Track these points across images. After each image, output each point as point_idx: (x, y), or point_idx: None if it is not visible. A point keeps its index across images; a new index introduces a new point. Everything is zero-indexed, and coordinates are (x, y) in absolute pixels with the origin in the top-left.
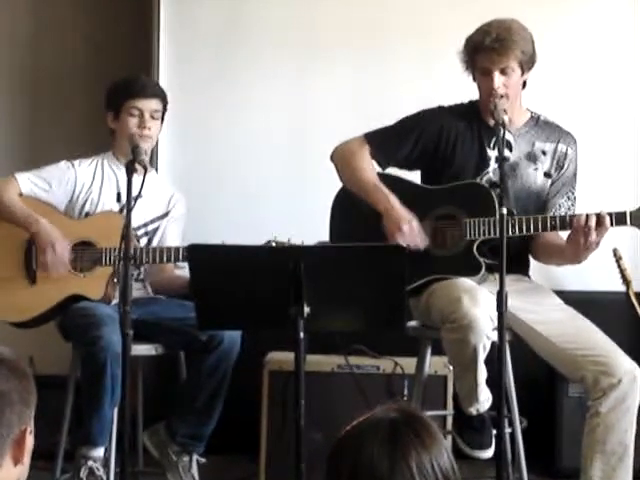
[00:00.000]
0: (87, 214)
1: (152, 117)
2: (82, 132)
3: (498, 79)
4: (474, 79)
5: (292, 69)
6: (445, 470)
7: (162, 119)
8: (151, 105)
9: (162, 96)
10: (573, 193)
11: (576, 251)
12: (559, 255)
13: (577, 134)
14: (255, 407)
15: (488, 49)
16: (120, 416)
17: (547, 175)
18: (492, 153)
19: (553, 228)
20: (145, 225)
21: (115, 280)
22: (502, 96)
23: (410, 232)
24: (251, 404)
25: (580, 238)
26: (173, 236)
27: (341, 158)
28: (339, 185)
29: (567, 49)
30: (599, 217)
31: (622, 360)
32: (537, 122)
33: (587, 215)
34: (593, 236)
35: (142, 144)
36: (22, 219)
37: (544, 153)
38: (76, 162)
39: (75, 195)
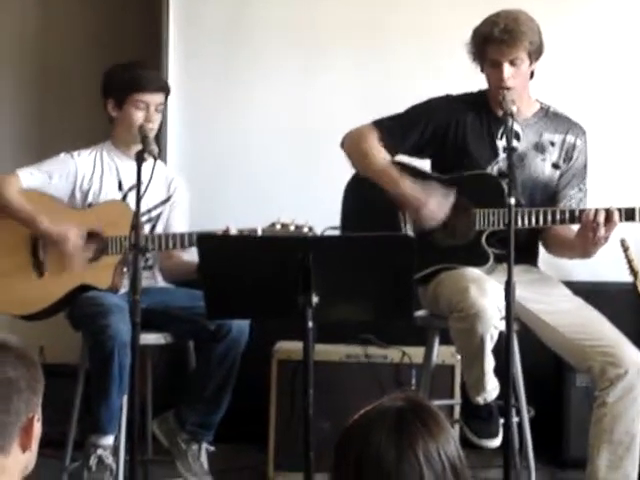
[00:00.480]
0: (90, 204)
1: (156, 110)
2: (89, 128)
3: (508, 70)
4: (482, 70)
5: (296, 61)
6: (452, 459)
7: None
8: (156, 99)
9: (167, 89)
10: (584, 185)
11: (585, 246)
12: (570, 248)
13: (588, 127)
14: (264, 396)
15: (497, 40)
16: (129, 405)
17: (555, 166)
18: (501, 143)
19: (562, 222)
20: (149, 211)
21: (125, 269)
22: (511, 87)
23: (432, 210)
24: (260, 393)
25: (589, 233)
26: (178, 222)
27: (351, 144)
28: (346, 171)
29: (577, 41)
30: (608, 212)
31: (629, 351)
32: (546, 113)
33: (596, 210)
34: (602, 231)
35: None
36: (25, 218)
37: (552, 144)
38: (75, 153)
39: (77, 186)
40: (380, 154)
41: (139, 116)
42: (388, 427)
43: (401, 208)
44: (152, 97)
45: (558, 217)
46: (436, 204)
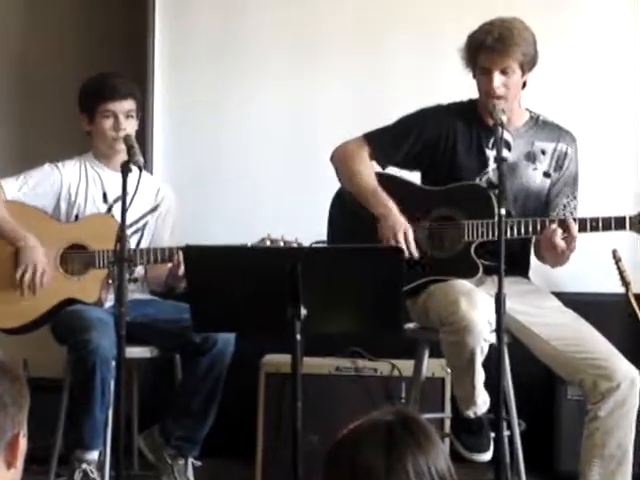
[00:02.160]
0: (76, 216)
1: (127, 117)
2: (72, 134)
3: (498, 79)
4: (474, 77)
5: (289, 68)
6: (442, 473)
7: (138, 114)
8: (124, 106)
9: (134, 94)
10: (576, 192)
11: (552, 257)
12: (542, 258)
13: (578, 135)
14: (252, 409)
15: (489, 49)
16: (115, 419)
17: (546, 175)
18: (491, 153)
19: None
20: (135, 222)
21: (110, 282)
22: (501, 96)
23: (405, 240)
24: (247, 406)
25: (549, 245)
26: (165, 234)
27: (340, 160)
28: (337, 184)
29: (567, 48)
30: (565, 225)
31: (621, 364)
32: (536, 122)
33: (554, 225)
34: (561, 244)
35: (118, 146)
36: (7, 232)
37: (543, 153)
38: (60, 164)
39: (62, 197)
40: (369, 174)
41: (108, 125)
42: (378, 441)
43: (383, 231)
44: (118, 105)
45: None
46: (402, 238)
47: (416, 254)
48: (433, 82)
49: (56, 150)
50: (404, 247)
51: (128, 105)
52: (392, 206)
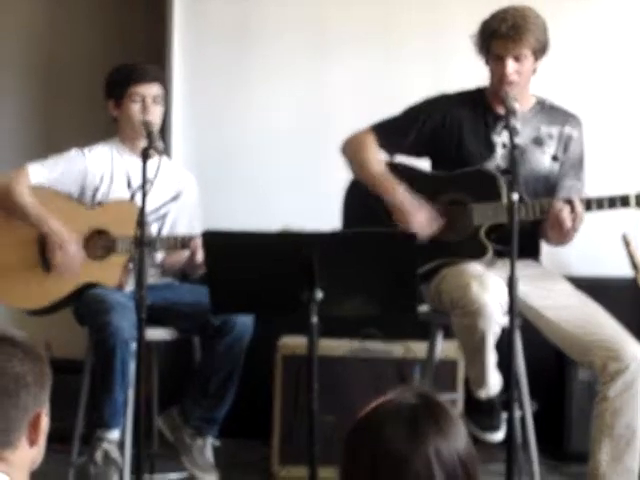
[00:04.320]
0: (100, 202)
1: (154, 102)
2: (96, 124)
3: (511, 66)
4: (486, 63)
5: (303, 60)
6: (463, 456)
7: (163, 102)
8: (152, 90)
9: (163, 80)
10: (582, 175)
11: (556, 237)
12: (547, 238)
13: (588, 119)
14: (268, 391)
15: (503, 36)
16: (135, 399)
17: (554, 158)
18: (498, 139)
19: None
20: (157, 210)
21: (130, 265)
22: (513, 83)
23: (420, 222)
24: (264, 388)
25: (555, 225)
26: (185, 223)
27: (350, 151)
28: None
29: (576, 35)
30: (571, 204)
31: (631, 346)
32: (543, 106)
33: (561, 203)
34: (568, 223)
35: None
36: (33, 217)
37: (550, 137)
38: (86, 150)
39: (87, 183)
40: (378, 162)
41: (136, 109)
42: (401, 425)
43: (398, 216)
44: (146, 88)
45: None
46: (425, 220)
47: (436, 226)
48: (443, 73)
49: (81, 140)
50: (421, 228)
51: (156, 89)
52: (403, 191)
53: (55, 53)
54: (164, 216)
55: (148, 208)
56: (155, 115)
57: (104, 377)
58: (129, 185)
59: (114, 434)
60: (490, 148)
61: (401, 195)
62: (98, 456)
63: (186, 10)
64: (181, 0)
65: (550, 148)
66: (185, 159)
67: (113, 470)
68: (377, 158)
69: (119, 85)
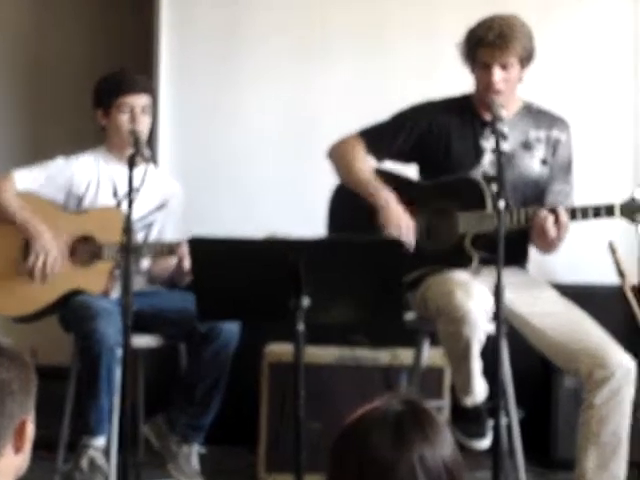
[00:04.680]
0: (85, 209)
1: (142, 112)
2: (82, 129)
3: (498, 74)
4: (472, 71)
5: (293, 63)
6: (449, 463)
7: (151, 112)
8: (141, 101)
9: (150, 90)
10: (570, 179)
11: (541, 246)
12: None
13: (577, 124)
14: (254, 398)
15: (490, 44)
16: (121, 406)
17: (544, 162)
18: (487, 145)
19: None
20: (142, 218)
21: (116, 272)
22: (500, 91)
23: (405, 229)
24: (250, 395)
25: (540, 235)
26: (167, 232)
27: (337, 156)
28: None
29: (564, 39)
30: (556, 214)
31: (616, 353)
32: (529, 110)
33: (545, 213)
34: (552, 233)
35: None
36: (19, 221)
37: (538, 141)
38: (72, 157)
39: (73, 191)
40: (364, 166)
41: (124, 119)
42: (387, 432)
43: (383, 222)
44: (134, 99)
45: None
46: (408, 224)
47: (413, 243)
48: (432, 78)
49: (68, 144)
50: (405, 238)
51: (144, 100)
52: (391, 196)
53: (41, 55)
54: (150, 225)
55: (134, 216)
56: (143, 125)
57: (90, 384)
58: (115, 194)
59: (100, 441)
60: (478, 154)
61: (385, 198)
62: (84, 463)
63: (173, 14)
64: (168, 3)
65: (539, 152)
66: (172, 163)
67: (99, 477)
68: (364, 163)
69: (107, 95)
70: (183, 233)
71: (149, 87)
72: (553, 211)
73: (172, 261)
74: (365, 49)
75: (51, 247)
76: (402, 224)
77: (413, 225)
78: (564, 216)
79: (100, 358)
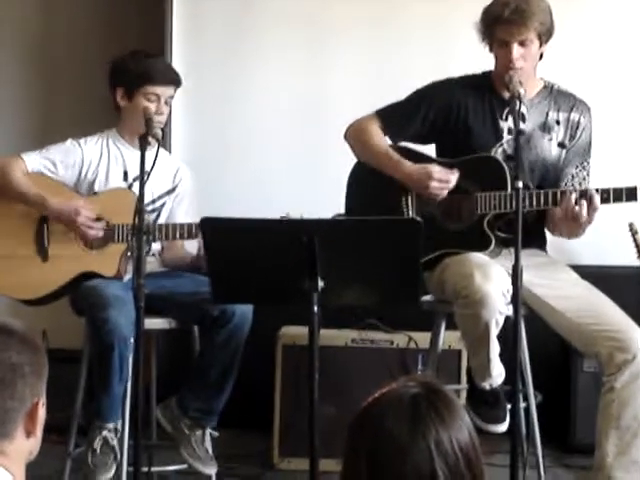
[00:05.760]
0: (95, 193)
1: (166, 102)
2: (92, 116)
3: (517, 51)
4: (491, 50)
5: (305, 46)
6: (465, 447)
7: None
8: (168, 92)
9: (178, 82)
10: (588, 162)
11: (570, 229)
12: (558, 230)
13: (595, 106)
14: (269, 381)
15: (507, 21)
16: (133, 390)
17: (561, 145)
18: (505, 125)
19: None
20: (153, 202)
21: (129, 254)
22: (519, 68)
23: (435, 185)
24: (264, 378)
25: (571, 218)
26: (182, 215)
27: (354, 135)
28: (353, 161)
29: (585, 20)
30: (589, 197)
31: (637, 336)
32: (551, 91)
33: (577, 194)
34: (584, 216)
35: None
36: (33, 197)
37: (558, 123)
38: (82, 141)
39: (82, 174)
40: (381, 141)
41: (150, 107)
42: (402, 414)
43: (408, 188)
44: (164, 90)
45: (559, 197)
46: (439, 180)
47: (454, 180)
48: (447, 59)
49: (75, 131)
50: (440, 189)
51: (171, 91)
52: (409, 163)
53: (51, 44)
54: (160, 208)
55: (146, 198)
56: (165, 115)
57: (102, 373)
58: (125, 178)
59: (112, 425)
60: (497, 133)
61: (408, 167)
62: (97, 444)
63: (185, 5)
64: None
65: (557, 134)
66: (184, 150)
67: (111, 459)
68: (381, 141)
69: (135, 79)
70: (202, 213)
71: (179, 80)
72: (583, 194)
73: (182, 249)
74: (377, 32)
75: (76, 204)
76: (431, 184)
77: (439, 171)
78: (597, 200)
79: (112, 348)
